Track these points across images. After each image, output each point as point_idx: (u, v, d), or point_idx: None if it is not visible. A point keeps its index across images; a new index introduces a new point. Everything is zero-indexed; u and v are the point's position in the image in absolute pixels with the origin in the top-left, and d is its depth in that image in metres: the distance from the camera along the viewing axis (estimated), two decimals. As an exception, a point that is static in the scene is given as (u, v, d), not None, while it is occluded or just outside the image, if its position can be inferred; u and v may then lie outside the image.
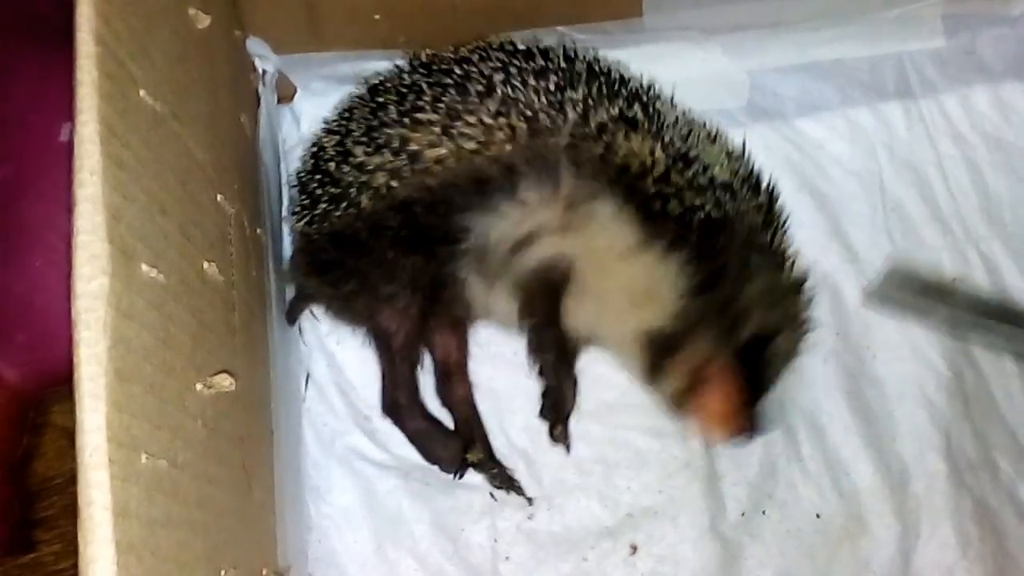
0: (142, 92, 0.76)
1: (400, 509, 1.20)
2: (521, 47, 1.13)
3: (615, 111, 1.04)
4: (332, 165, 1.10)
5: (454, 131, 1.03)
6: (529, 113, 1.03)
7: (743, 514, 1.22)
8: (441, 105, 1.05)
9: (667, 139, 1.05)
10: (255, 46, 1.26)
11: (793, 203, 1.33)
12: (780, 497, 1.23)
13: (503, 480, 1.20)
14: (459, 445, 1.20)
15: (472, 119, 1.03)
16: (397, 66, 1.16)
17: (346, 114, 1.14)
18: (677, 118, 1.11)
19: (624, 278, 1.06)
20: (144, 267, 0.70)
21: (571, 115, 1.03)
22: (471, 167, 1.02)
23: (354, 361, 1.26)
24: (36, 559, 1.18)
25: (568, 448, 1.21)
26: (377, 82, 1.15)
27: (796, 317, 1.12)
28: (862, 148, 1.39)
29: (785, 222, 1.14)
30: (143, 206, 0.72)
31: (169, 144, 0.81)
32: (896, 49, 1.43)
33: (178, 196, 0.81)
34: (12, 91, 1.03)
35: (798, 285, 1.13)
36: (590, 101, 1.04)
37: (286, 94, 1.36)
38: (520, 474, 1.22)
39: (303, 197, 1.14)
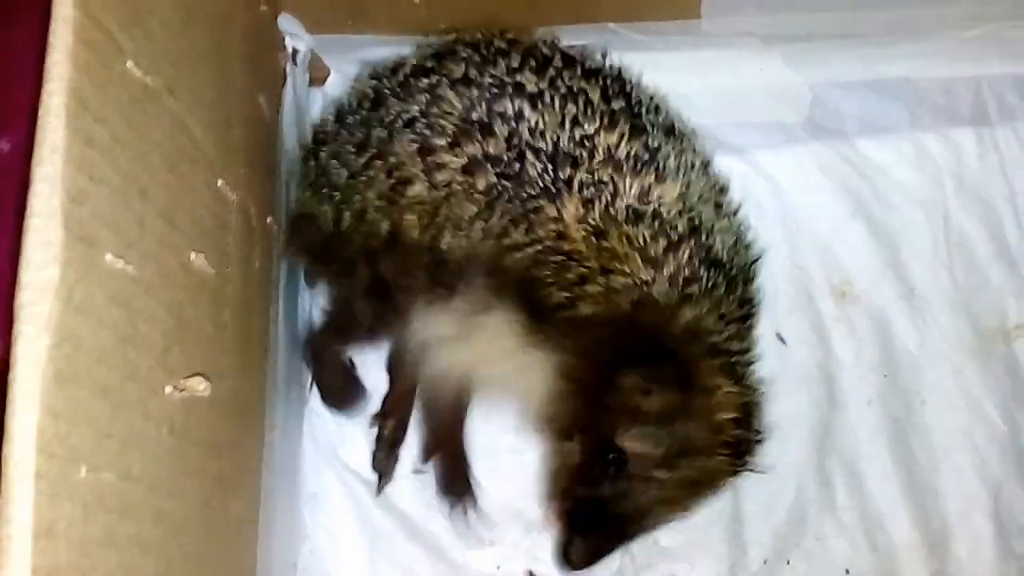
0: (129, 63, 0.69)
1: (397, 528, 1.13)
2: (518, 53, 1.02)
3: (565, 173, 0.93)
4: (323, 154, 1.04)
5: (429, 166, 0.95)
6: (488, 179, 0.93)
7: (765, 562, 1.13)
8: (417, 135, 0.96)
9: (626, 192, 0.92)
10: (287, 23, 1.20)
11: (847, 230, 1.26)
12: (808, 547, 1.14)
13: (381, 465, 1.14)
14: (359, 393, 1.17)
15: (446, 172, 0.94)
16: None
17: (350, 97, 1.07)
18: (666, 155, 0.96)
19: (509, 377, 0.99)
20: (109, 257, 0.63)
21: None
22: (434, 243, 0.95)
23: (362, 364, 1.19)
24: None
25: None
26: (380, 70, 1.07)
27: (694, 465, 0.91)
28: (928, 176, 1.29)
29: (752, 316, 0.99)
30: (115, 189, 0.65)
31: (159, 122, 0.74)
32: (973, 72, 1.33)
33: (164, 180, 0.74)
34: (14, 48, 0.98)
35: (742, 409, 0.92)
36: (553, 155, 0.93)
37: (319, 76, 1.29)
38: (528, 497, 1.12)
39: (305, 172, 1.09)
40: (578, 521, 0.94)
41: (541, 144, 0.93)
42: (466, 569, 1.12)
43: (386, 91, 1.02)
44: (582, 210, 0.91)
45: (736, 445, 0.91)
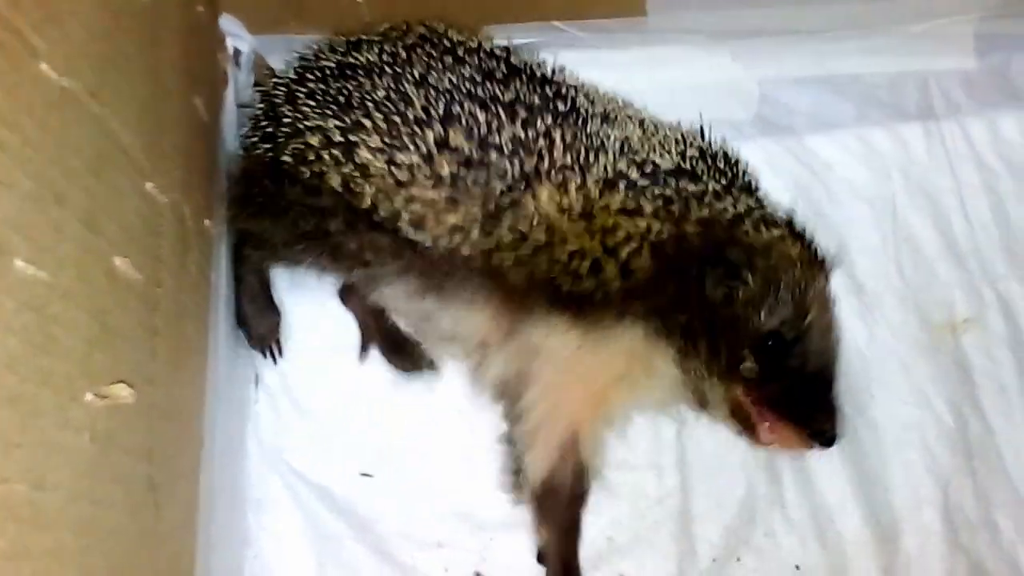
0: (44, 66, 0.68)
1: (344, 531, 1.12)
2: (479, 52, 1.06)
3: (533, 163, 0.97)
4: (279, 99, 1.06)
5: (390, 149, 0.97)
6: (454, 165, 0.96)
7: (715, 560, 1.13)
8: (381, 114, 0.99)
9: (591, 162, 0.97)
10: (228, 24, 1.19)
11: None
12: (757, 544, 1.14)
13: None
14: (272, 324, 1.17)
15: (406, 153, 0.97)
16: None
17: (315, 57, 1.09)
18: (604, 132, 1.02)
19: (593, 370, 0.99)
20: (19, 263, 0.62)
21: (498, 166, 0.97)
22: (396, 225, 0.97)
23: (308, 367, 1.18)
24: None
25: None
26: (356, 40, 1.09)
27: (811, 292, 0.98)
28: (876, 171, 1.29)
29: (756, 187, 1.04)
30: (27, 194, 0.64)
31: (80, 126, 0.73)
32: (921, 67, 1.33)
33: (86, 184, 0.73)
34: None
35: (802, 247, 1.00)
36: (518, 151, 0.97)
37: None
38: (476, 499, 1.12)
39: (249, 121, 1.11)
40: (791, 407, 0.97)
41: (501, 140, 0.96)
42: (414, 571, 1.11)
43: (351, 67, 1.03)
44: (560, 199, 0.95)
45: (811, 261, 0.99)
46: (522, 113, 0.99)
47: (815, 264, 1.00)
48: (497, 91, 1.00)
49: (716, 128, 1.26)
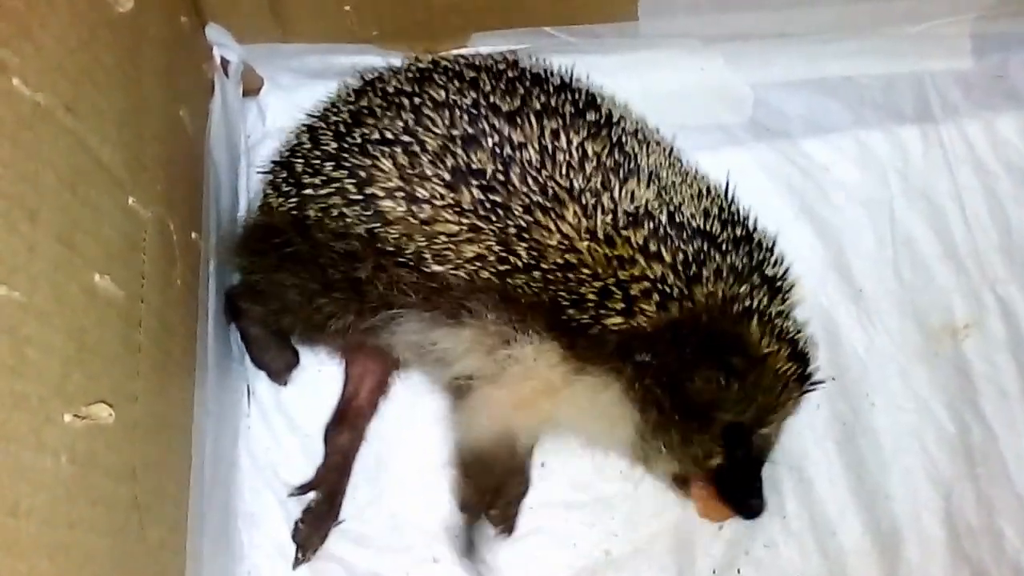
0: (15, 81, 0.67)
1: (338, 548, 1.10)
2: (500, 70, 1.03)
3: (560, 176, 0.94)
4: (299, 165, 1.03)
5: (410, 185, 0.95)
6: (476, 190, 0.94)
7: (714, 571, 1.11)
8: (400, 148, 0.97)
9: (623, 192, 0.95)
10: (215, 34, 1.17)
11: (791, 231, 1.23)
12: (757, 555, 1.12)
13: (302, 539, 1.10)
14: (290, 357, 1.16)
15: (428, 186, 0.94)
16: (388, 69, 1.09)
17: (324, 114, 1.07)
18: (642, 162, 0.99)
19: (566, 411, 0.99)
20: (-11, 284, 0.61)
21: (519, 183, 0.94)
22: (419, 262, 0.95)
23: (301, 382, 1.17)
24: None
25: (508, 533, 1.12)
26: (363, 85, 1.07)
27: (785, 404, 1.00)
28: (872, 174, 1.27)
29: (788, 292, 1.01)
30: (-1, 213, 0.63)
31: (55, 141, 0.72)
32: (916, 68, 1.32)
33: (62, 201, 0.72)
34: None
35: (795, 367, 0.98)
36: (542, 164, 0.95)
37: (253, 86, 1.27)
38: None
39: (267, 185, 1.09)
40: (727, 485, 1.01)
41: (528, 155, 0.94)
42: (412, 589, 1.10)
43: (364, 110, 1.01)
44: (584, 220, 0.93)
45: (799, 379, 0.99)
46: (552, 123, 0.96)
47: (799, 381, 1.00)
48: (526, 100, 0.98)
49: (709, 133, 1.27)
